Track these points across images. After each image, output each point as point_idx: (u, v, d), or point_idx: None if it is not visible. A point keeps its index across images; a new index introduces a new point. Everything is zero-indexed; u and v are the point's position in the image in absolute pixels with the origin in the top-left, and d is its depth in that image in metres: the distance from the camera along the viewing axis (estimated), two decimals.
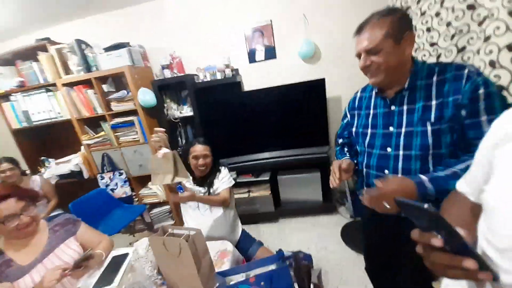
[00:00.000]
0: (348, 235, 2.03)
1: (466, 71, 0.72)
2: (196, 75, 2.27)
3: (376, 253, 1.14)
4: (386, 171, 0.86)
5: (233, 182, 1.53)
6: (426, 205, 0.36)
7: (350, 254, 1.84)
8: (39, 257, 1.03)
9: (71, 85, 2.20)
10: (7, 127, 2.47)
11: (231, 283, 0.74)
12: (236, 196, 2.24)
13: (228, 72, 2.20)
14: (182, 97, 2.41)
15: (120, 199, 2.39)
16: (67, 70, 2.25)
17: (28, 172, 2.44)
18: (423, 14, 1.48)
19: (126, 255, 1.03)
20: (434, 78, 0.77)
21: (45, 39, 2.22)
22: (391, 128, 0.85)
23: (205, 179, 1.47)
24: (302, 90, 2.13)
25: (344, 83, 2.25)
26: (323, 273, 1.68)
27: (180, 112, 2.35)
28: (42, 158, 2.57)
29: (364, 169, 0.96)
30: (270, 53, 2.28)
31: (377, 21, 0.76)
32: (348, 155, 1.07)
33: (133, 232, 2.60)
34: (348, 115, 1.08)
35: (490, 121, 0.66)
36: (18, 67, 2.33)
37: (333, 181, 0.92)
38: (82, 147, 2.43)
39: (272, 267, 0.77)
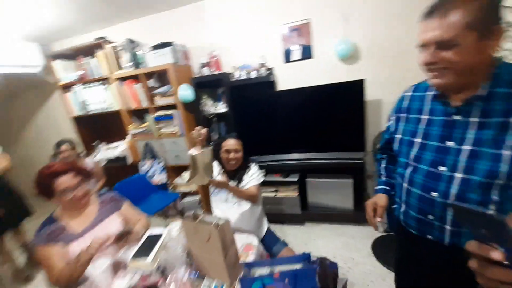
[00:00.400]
0: (380, 249, 1.90)
1: None
2: (232, 73, 2.35)
3: (408, 275, 1.00)
4: (434, 194, 0.70)
5: (263, 179, 1.55)
6: (492, 212, 0.33)
7: (380, 270, 1.73)
8: (89, 227, 1.16)
9: (122, 79, 2.44)
10: (68, 114, 2.85)
11: (256, 275, 0.76)
12: (263, 194, 2.26)
13: (262, 71, 2.23)
14: (217, 94, 2.51)
15: (157, 185, 2.59)
16: (119, 66, 2.51)
17: (82, 154, 2.78)
18: None
19: (160, 235, 1.12)
20: None
21: (102, 38, 2.50)
22: (449, 143, 0.68)
23: (235, 173, 1.52)
24: (339, 91, 2.06)
25: (386, 85, 2.12)
26: (348, 285, 1.62)
27: (215, 109, 2.46)
28: (95, 143, 2.91)
29: (405, 185, 0.80)
30: (307, 52, 2.24)
31: (459, 3, 0.57)
32: (386, 183, 0.98)
33: (166, 217, 2.79)
34: (392, 118, 0.89)
35: None
36: (79, 62, 2.67)
37: (371, 223, 0.87)
38: (128, 136, 2.69)
39: (298, 266, 0.76)
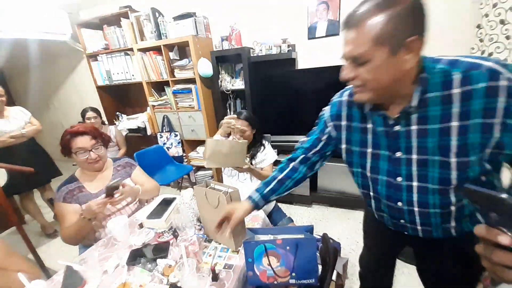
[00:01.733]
0: None
1: (503, 82, 0.50)
2: (252, 48, 2.29)
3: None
4: (400, 203, 0.70)
5: (276, 157, 1.57)
6: (504, 195, 0.31)
7: None
8: (104, 189, 1.23)
9: (144, 50, 2.47)
10: (93, 83, 2.98)
11: (259, 240, 0.80)
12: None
13: (284, 47, 2.15)
14: (236, 70, 2.47)
15: (173, 158, 2.70)
16: (142, 37, 2.53)
17: (106, 122, 2.94)
18: (494, 6, 1.48)
19: (174, 199, 1.20)
20: (455, 90, 0.54)
21: (127, 6, 2.51)
22: (398, 154, 0.65)
23: (248, 150, 1.54)
24: None
25: None
26: (349, 265, 1.65)
27: (232, 85, 2.44)
28: (117, 112, 3.04)
29: (372, 194, 0.77)
30: (333, 28, 2.11)
31: (368, 14, 0.51)
32: (265, 191, 0.88)
33: (180, 188, 2.94)
34: (330, 126, 0.80)
35: None
36: (105, 31, 2.72)
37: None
38: (148, 108, 2.78)
39: (300, 236, 0.79)
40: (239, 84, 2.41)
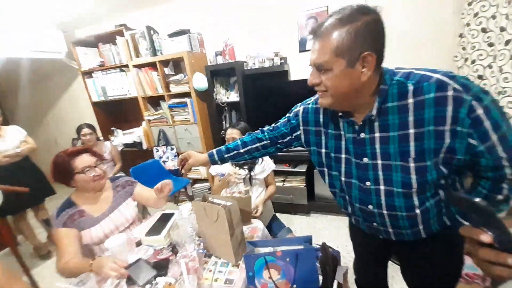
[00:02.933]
0: None
1: (450, 92, 0.55)
2: (245, 62, 2.35)
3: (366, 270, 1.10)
4: (370, 207, 0.74)
5: (274, 165, 1.61)
6: (477, 199, 0.35)
7: None
8: (107, 212, 1.22)
9: (139, 66, 2.52)
10: (88, 99, 2.99)
11: (259, 253, 0.81)
12: None
13: (276, 60, 2.22)
14: (230, 83, 2.53)
15: (170, 171, 2.69)
16: (137, 54, 2.58)
17: (101, 138, 2.93)
18: (476, 15, 1.57)
19: (172, 214, 1.20)
20: (410, 100, 0.59)
21: (122, 25, 2.57)
22: (365, 159, 0.70)
23: (245, 163, 1.55)
24: None
25: None
26: (349, 273, 1.64)
27: (227, 97, 2.49)
28: (113, 128, 3.04)
29: (347, 197, 0.80)
30: None
31: (330, 28, 0.56)
32: (223, 153, 1.02)
33: (177, 202, 2.92)
34: (301, 130, 0.85)
35: (501, 138, 0.55)
36: (100, 49, 2.77)
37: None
38: (144, 122, 2.79)
39: (299, 247, 0.80)
40: (234, 96, 2.46)
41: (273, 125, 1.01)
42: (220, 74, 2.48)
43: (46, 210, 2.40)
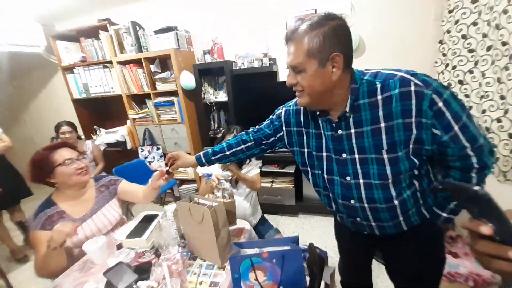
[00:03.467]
0: None
1: (413, 88, 0.60)
2: (234, 61, 2.33)
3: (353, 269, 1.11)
4: (352, 201, 0.76)
5: (260, 165, 1.58)
6: (476, 187, 0.33)
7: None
8: (89, 213, 1.15)
9: (124, 63, 2.43)
10: (69, 96, 2.85)
11: (245, 254, 0.79)
12: None
13: (265, 60, 2.22)
14: (219, 83, 2.50)
15: (155, 172, 2.61)
16: (122, 49, 2.49)
17: (82, 137, 2.80)
18: (456, 22, 1.64)
19: (156, 215, 1.15)
20: (379, 96, 0.65)
21: (106, 19, 2.47)
22: (344, 155, 0.73)
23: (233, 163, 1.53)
24: None
25: None
26: (336, 274, 1.66)
27: (216, 97, 2.45)
28: (95, 126, 2.92)
29: (330, 195, 0.82)
30: None
31: (303, 33, 0.62)
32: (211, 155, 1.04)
33: (162, 204, 2.84)
34: (283, 131, 0.89)
35: (462, 128, 0.61)
36: (82, 43, 2.65)
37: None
38: (128, 121, 2.70)
39: (286, 247, 0.79)
40: (222, 96, 2.43)
41: (257, 126, 1.03)
42: (208, 73, 2.45)
43: (22, 212, 2.27)
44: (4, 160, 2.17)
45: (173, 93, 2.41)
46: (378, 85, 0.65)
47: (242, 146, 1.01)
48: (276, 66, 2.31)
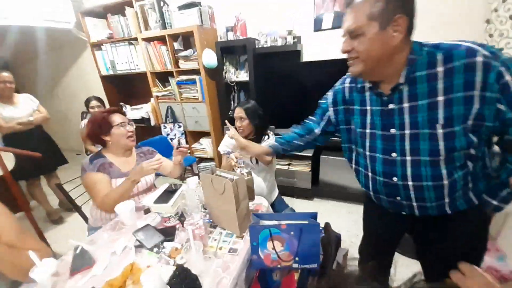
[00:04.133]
0: None
1: (480, 58, 0.57)
2: (257, 39, 2.27)
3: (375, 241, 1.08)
4: (395, 179, 0.74)
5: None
6: None
7: None
8: (132, 170, 1.31)
9: (148, 40, 2.46)
10: (97, 73, 2.98)
11: (264, 224, 0.82)
12: (276, 166, 2.31)
13: (289, 39, 2.14)
14: (240, 62, 2.47)
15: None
16: (146, 26, 2.51)
17: None
18: (504, 1, 1.47)
19: (180, 185, 1.22)
20: (439, 68, 0.62)
21: None
22: (392, 130, 0.71)
23: (252, 140, 1.55)
24: None
25: None
26: (348, 257, 1.68)
27: (237, 77, 2.44)
28: (121, 103, 3.05)
29: (370, 174, 0.82)
30: (340, 20, 2.08)
31: None
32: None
33: (182, 179, 2.97)
34: (331, 111, 0.90)
35: None
36: (109, 20, 2.70)
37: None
38: (152, 99, 2.78)
39: (304, 221, 0.81)
40: (243, 76, 2.41)
41: (309, 117, 1.06)
42: (230, 51, 2.42)
43: (58, 178, 2.49)
44: (42, 130, 2.36)
45: (195, 72, 2.42)
46: (440, 56, 0.62)
47: (309, 136, 1.03)
48: (300, 45, 2.22)
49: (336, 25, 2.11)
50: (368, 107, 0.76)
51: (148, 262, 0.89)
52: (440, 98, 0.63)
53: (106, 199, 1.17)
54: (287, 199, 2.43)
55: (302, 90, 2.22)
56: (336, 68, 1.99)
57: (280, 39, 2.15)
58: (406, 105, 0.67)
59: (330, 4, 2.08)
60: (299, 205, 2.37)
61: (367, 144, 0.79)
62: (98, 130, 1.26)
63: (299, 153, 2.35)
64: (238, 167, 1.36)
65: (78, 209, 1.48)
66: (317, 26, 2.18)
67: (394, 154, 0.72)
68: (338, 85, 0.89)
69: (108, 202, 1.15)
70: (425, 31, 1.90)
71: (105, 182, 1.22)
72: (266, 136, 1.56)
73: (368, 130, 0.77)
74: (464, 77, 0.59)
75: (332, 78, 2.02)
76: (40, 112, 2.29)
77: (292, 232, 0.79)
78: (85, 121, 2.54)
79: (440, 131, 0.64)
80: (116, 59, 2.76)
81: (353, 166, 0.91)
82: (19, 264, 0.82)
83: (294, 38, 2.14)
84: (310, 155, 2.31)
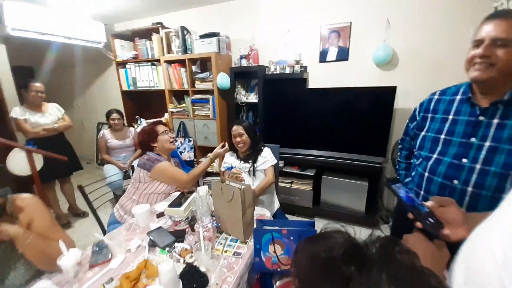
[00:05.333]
0: None
1: None
2: (267, 67, 2.51)
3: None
4: (455, 181, 0.81)
5: (276, 161, 1.72)
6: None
7: None
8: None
9: (170, 62, 2.73)
10: (118, 88, 3.24)
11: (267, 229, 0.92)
12: (279, 184, 2.41)
13: (297, 68, 2.36)
14: (251, 85, 2.69)
15: (185, 162, 2.86)
16: (169, 50, 2.79)
17: (126, 124, 3.16)
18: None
19: (192, 192, 1.34)
20: None
21: (158, 23, 2.81)
22: (473, 139, 0.79)
23: (250, 156, 1.69)
24: (369, 96, 2.12)
25: (418, 95, 2.10)
26: None
27: (247, 98, 2.64)
28: (137, 116, 3.27)
29: (427, 174, 0.89)
30: (343, 54, 2.32)
31: None
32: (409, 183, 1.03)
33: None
34: (418, 117, 1.00)
35: None
36: (135, 43, 3.01)
37: None
38: (166, 114, 2.99)
39: (303, 228, 0.91)
40: (253, 97, 2.61)
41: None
42: (242, 75, 2.65)
43: (71, 183, 2.62)
44: (63, 137, 2.55)
45: (209, 92, 2.64)
46: None
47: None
48: (306, 74, 2.44)
49: (340, 58, 2.34)
50: (451, 116, 0.86)
51: (160, 259, 0.99)
52: None
53: (192, 174, 1.53)
54: (289, 217, 2.48)
55: (306, 113, 2.39)
56: (338, 95, 2.20)
57: (288, 67, 2.38)
58: (496, 121, 0.76)
59: (335, 40, 2.32)
60: None
61: (438, 148, 0.87)
62: (148, 138, 1.55)
63: (302, 172, 2.46)
64: (242, 179, 1.50)
65: (94, 211, 1.59)
66: (323, 58, 2.41)
67: (464, 160, 0.79)
68: (428, 96, 0.99)
69: (192, 177, 1.52)
70: (417, 68, 2.10)
71: (175, 167, 1.55)
72: (261, 151, 1.71)
73: (442, 136, 0.86)
74: None
75: (335, 104, 2.23)
76: (65, 120, 2.49)
77: (291, 237, 0.89)
78: (104, 131, 2.74)
79: None
80: (138, 77, 3.03)
81: (416, 162, 0.99)
82: (49, 254, 0.92)
83: (301, 67, 2.36)
84: (312, 174, 2.41)
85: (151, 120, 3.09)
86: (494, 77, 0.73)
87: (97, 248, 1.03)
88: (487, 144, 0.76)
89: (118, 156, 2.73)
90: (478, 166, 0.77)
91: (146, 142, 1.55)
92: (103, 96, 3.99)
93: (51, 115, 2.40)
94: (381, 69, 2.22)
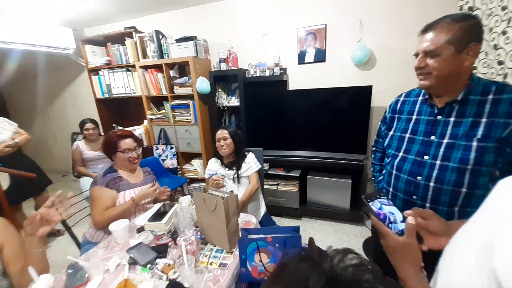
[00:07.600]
0: (370, 247, 2.01)
1: None
2: (247, 70, 2.49)
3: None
4: (419, 178, 0.86)
5: (260, 166, 1.70)
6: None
7: None
8: (139, 183, 1.49)
9: (146, 67, 2.63)
10: (92, 95, 3.08)
11: (252, 238, 0.91)
12: (265, 186, 2.40)
13: (276, 70, 2.37)
14: (232, 89, 2.66)
15: (168, 169, 2.78)
16: (144, 55, 2.70)
17: (102, 134, 3.00)
18: (490, 30, 1.44)
19: (173, 204, 1.29)
20: (490, 96, 0.77)
21: (131, 27, 2.70)
22: (432, 137, 0.85)
23: (234, 163, 1.67)
24: (347, 95, 2.17)
25: (393, 94, 2.19)
26: None
27: (228, 102, 2.61)
28: (114, 125, 3.13)
29: (394, 172, 0.95)
30: (320, 55, 2.36)
31: (446, 24, 0.75)
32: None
33: (173, 200, 2.98)
34: (387, 118, 1.07)
35: None
36: (108, 48, 2.88)
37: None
38: (146, 121, 2.88)
39: (288, 234, 0.90)
40: (234, 101, 2.59)
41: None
42: (222, 79, 2.62)
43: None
44: (21, 153, 2.30)
45: (189, 97, 2.58)
46: (493, 88, 0.78)
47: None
48: (286, 76, 2.46)
49: (317, 59, 2.38)
50: (414, 117, 0.92)
51: (141, 277, 0.94)
52: (483, 119, 0.77)
53: (105, 216, 1.27)
54: (276, 219, 2.49)
55: (288, 115, 2.41)
56: (318, 96, 2.24)
57: (268, 70, 2.38)
58: (452, 119, 0.82)
59: (312, 42, 2.36)
60: (288, 225, 2.43)
61: (403, 147, 0.92)
62: (107, 150, 1.45)
63: (287, 173, 2.47)
64: (224, 185, 1.48)
65: (68, 229, 1.49)
66: (301, 59, 2.44)
67: (426, 157, 0.85)
68: (393, 101, 1.05)
69: (105, 220, 1.24)
70: (394, 66, 2.18)
71: (108, 198, 1.33)
72: (245, 157, 1.70)
73: (407, 135, 0.92)
74: (508, 107, 0.74)
75: (314, 104, 2.26)
76: (21, 133, 2.26)
77: (277, 245, 0.88)
78: (78, 142, 2.58)
79: (475, 143, 0.77)
80: (112, 83, 2.89)
81: (385, 163, 1.05)
82: (20, 283, 0.85)
83: (280, 69, 2.38)
84: (297, 175, 2.43)
85: (128, 128, 2.97)
86: (434, 84, 0.80)
87: (72, 271, 0.96)
88: (445, 141, 0.82)
89: (95, 168, 2.58)
90: (438, 162, 0.83)
91: (106, 152, 1.47)
92: (76, 105, 3.77)
93: (5, 130, 2.18)
94: (360, 69, 2.29)
